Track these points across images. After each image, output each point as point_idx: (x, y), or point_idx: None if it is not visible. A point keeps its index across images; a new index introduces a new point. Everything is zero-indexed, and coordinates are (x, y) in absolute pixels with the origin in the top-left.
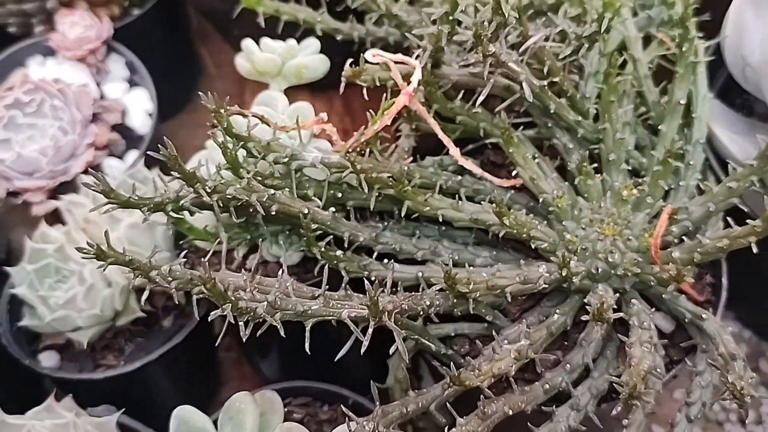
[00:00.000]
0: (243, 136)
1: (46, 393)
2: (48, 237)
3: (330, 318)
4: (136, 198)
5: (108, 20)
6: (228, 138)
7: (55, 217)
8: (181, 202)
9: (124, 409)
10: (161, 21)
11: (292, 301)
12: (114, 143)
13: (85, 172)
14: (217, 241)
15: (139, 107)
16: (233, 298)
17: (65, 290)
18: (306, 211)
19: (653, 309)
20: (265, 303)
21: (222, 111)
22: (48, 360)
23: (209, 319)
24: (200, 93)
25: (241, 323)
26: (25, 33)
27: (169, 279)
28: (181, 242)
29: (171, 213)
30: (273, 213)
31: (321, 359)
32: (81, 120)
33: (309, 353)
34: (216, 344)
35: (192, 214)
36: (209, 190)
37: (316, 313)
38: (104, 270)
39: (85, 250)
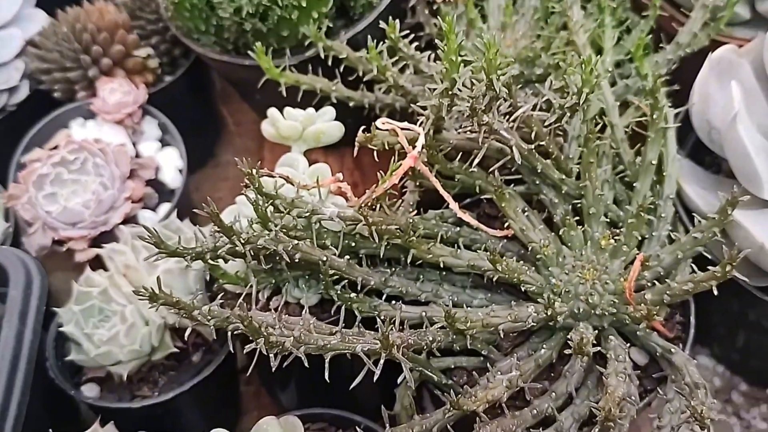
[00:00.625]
0: (271, 195)
1: (87, 421)
2: (93, 281)
3: (345, 351)
4: (182, 248)
5: (143, 86)
6: (259, 196)
7: (96, 263)
8: (219, 251)
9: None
10: (189, 86)
11: (314, 336)
12: (148, 197)
13: (123, 223)
14: (249, 285)
15: (170, 164)
16: (265, 334)
17: (108, 328)
18: (324, 258)
19: (629, 344)
20: (292, 338)
21: (254, 173)
22: (89, 391)
23: (244, 351)
24: (236, 159)
25: (271, 355)
26: (68, 98)
27: (209, 317)
28: (213, 286)
29: (209, 261)
30: (296, 260)
31: (335, 388)
32: (119, 176)
33: (326, 382)
34: (239, 376)
35: (226, 261)
36: (243, 241)
37: (335, 347)
38: (156, 309)
39: (140, 293)
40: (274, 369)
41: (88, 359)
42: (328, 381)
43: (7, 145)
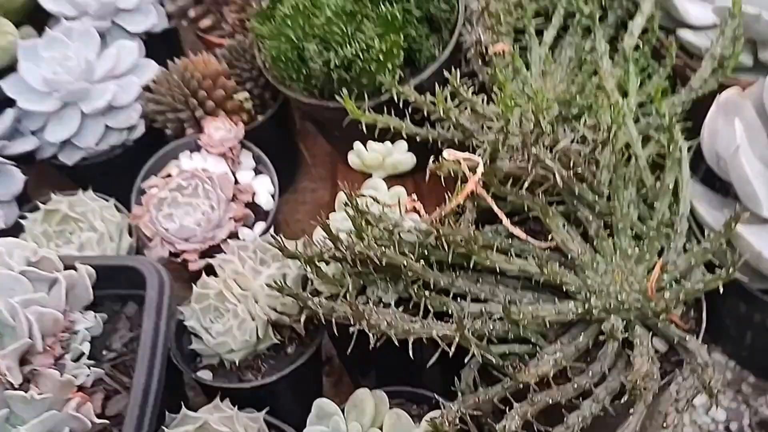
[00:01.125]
0: (364, 211)
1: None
2: (208, 285)
3: (425, 335)
4: (299, 252)
5: (241, 124)
6: (356, 213)
7: (207, 272)
8: (324, 255)
9: (268, 408)
10: (276, 124)
11: (401, 322)
12: (247, 217)
13: (228, 238)
14: (343, 285)
15: (264, 189)
16: (367, 317)
17: (223, 323)
18: (405, 263)
19: (651, 333)
20: (385, 322)
21: (354, 195)
22: (205, 375)
23: (350, 330)
24: (339, 182)
25: (371, 334)
26: (178, 134)
27: (319, 306)
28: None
29: (315, 263)
30: (382, 264)
31: (407, 372)
32: (224, 199)
33: (400, 367)
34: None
35: (327, 264)
36: (345, 247)
37: (417, 331)
38: (283, 298)
39: (273, 287)
40: (371, 347)
41: (206, 348)
42: (411, 359)
43: (127, 174)
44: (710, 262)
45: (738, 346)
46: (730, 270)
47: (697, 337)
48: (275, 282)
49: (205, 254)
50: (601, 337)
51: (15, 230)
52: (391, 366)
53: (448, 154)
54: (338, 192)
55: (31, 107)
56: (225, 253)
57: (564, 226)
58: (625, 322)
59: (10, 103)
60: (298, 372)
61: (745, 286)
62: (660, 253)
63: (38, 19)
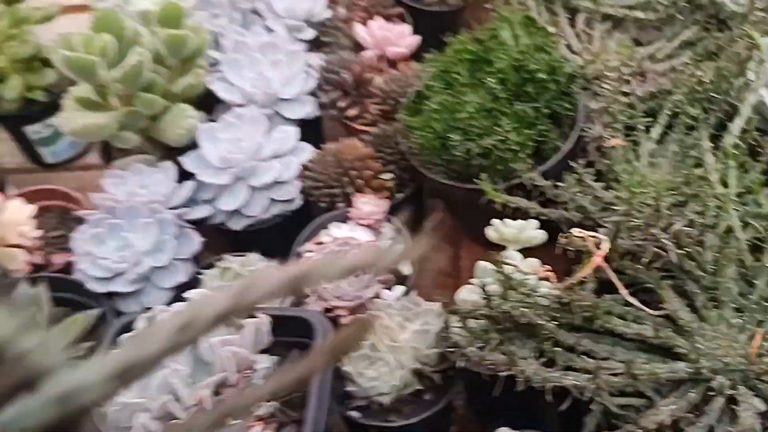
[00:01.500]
0: (509, 275)
1: None
2: None
3: (560, 383)
4: (461, 309)
5: (385, 200)
6: (504, 277)
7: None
8: (476, 312)
9: None
10: (411, 201)
11: (542, 371)
12: (389, 280)
13: (373, 298)
14: (488, 340)
15: None
16: (518, 366)
17: (375, 369)
18: (541, 322)
19: (753, 393)
20: (530, 370)
21: (500, 262)
22: (354, 414)
23: (501, 374)
24: (493, 252)
25: (518, 379)
26: (330, 208)
27: (478, 358)
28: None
29: (467, 317)
30: (521, 322)
31: (533, 421)
32: None
33: (526, 416)
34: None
35: (476, 319)
36: (494, 306)
37: (554, 379)
38: (416, 345)
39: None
40: (520, 388)
41: (360, 390)
42: (550, 401)
43: (283, 240)
44: None
45: None
46: None
47: None
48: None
49: (354, 311)
50: (710, 393)
51: (193, 284)
52: (515, 415)
53: (578, 232)
54: (460, 262)
55: (208, 180)
56: (371, 310)
57: (674, 297)
58: (730, 382)
59: (188, 176)
60: (435, 416)
61: None
62: (760, 324)
63: (207, 105)
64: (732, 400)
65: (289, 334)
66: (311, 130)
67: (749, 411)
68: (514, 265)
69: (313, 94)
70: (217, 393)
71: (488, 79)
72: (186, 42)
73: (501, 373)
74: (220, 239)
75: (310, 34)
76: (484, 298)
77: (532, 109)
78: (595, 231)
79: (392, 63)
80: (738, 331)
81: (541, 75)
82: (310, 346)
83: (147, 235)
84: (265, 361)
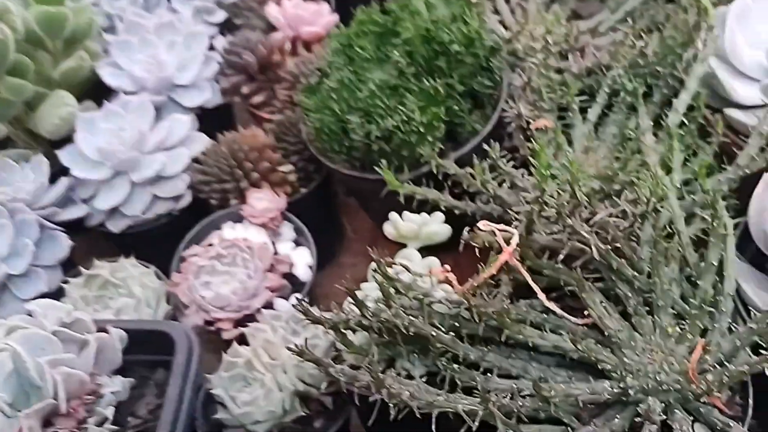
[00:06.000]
0: (394, 278)
1: None
2: (238, 353)
3: (449, 409)
4: (324, 317)
5: (284, 196)
6: (384, 279)
7: (239, 340)
8: (350, 322)
9: None
10: (319, 197)
11: (424, 394)
12: (283, 287)
13: (264, 308)
14: (369, 354)
15: (302, 261)
16: (387, 386)
17: (250, 392)
18: (434, 334)
19: (692, 418)
20: (407, 392)
21: (382, 261)
22: None
23: (370, 399)
24: (369, 247)
25: (391, 405)
26: (222, 205)
27: (341, 375)
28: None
29: (341, 330)
30: (410, 334)
31: None
32: (261, 269)
33: None
34: None
35: (354, 332)
36: (371, 315)
37: (441, 404)
38: (299, 365)
39: (293, 350)
40: (391, 419)
41: (232, 418)
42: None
43: (169, 242)
44: (757, 345)
45: None
46: None
47: (743, 425)
48: (296, 346)
49: (240, 323)
50: (638, 420)
51: (58, 295)
52: None
53: (483, 225)
54: None
55: (84, 176)
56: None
57: (601, 302)
58: (664, 404)
59: (66, 172)
60: None
61: None
62: (703, 334)
63: (100, 95)
64: (666, 427)
65: (151, 352)
66: (217, 120)
67: None
68: (403, 266)
69: (216, 80)
70: (48, 423)
71: (395, 52)
72: (64, 21)
73: (373, 396)
74: (102, 244)
75: (220, 16)
76: (358, 307)
77: (444, 86)
78: (508, 224)
79: (308, 45)
80: (676, 342)
81: (455, 47)
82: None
83: (1, 239)
84: (115, 384)
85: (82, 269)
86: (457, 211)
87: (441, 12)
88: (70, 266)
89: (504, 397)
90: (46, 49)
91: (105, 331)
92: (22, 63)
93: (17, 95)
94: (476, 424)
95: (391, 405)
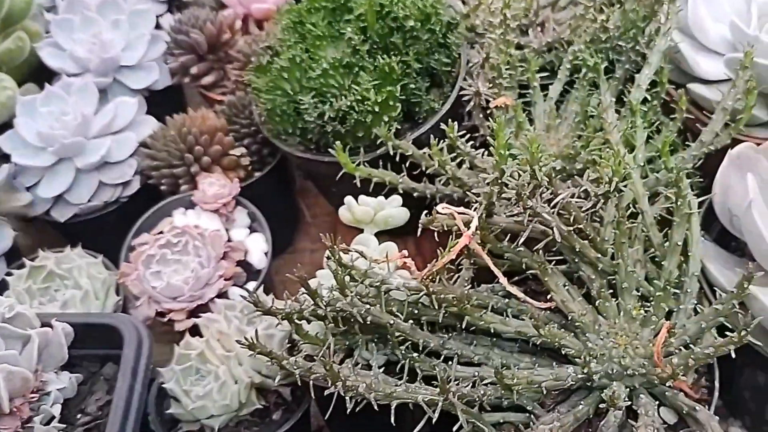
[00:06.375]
0: (348, 266)
1: None
2: (191, 345)
3: (408, 400)
4: (276, 308)
5: (237, 181)
6: (338, 267)
7: (193, 331)
8: (304, 312)
9: None
10: (274, 181)
11: (382, 385)
12: (238, 275)
13: (216, 297)
14: (325, 345)
15: (257, 248)
16: (343, 378)
17: (203, 386)
18: (392, 322)
19: (658, 403)
20: (364, 384)
21: (335, 247)
22: None
23: (325, 393)
24: (322, 235)
25: (347, 398)
26: (172, 191)
27: (296, 367)
28: (293, 351)
29: (295, 320)
30: (368, 323)
31: None
32: (214, 257)
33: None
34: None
35: (309, 322)
36: (325, 304)
37: (399, 395)
38: (254, 356)
39: (243, 343)
40: (348, 412)
41: (186, 413)
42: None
43: (119, 231)
44: (723, 326)
45: (758, 420)
46: (743, 333)
47: (709, 408)
48: (245, 339)
49: (193, 314)
50: (603, 406)
51: (0, 288)
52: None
53: (442, 207)
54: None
55: (26, 162)
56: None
57: (564, 285)
58: (629, 389)
59: (8, 159)
60: None
61: (763, 354)
62: (668, 316)
63: (43, 77)
64: (632, 412)
65: (100, 346)
66: (166, 103)
67: (650, 427)
68: (359, 252)
69: (165, 61)
70: None
71: (348, 29)
72: None
73: (329, 389)
74: (47, 234)
75: None
76: (311, 296)
77: (399, 64)
78: (467, 207)
79: (259, 23)
80: (641, 324)
81: (410, 23)
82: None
83: None
84: (62, 381)
85: (26, 261)
86: (415, 194)
87: None
88: (14, 258)
89: (465, 386)
90: None
91: (49, 325)
92: None
93: None
94: (436, 414)
95: (347, 398)
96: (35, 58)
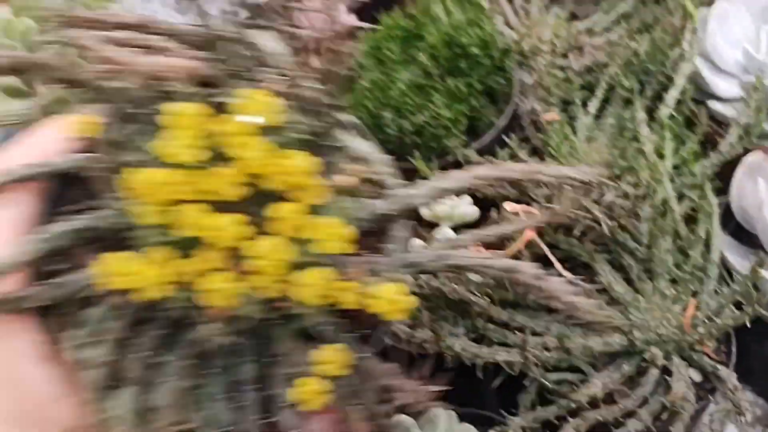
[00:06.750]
0: None
1: None
2: None
3: (490, 359)
4: None
5: None
6: None
7: None
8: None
9: None
10: None
11: (471, 347)
12: None
13: None
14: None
15: None
16: (445, 341)
17: None
18: (473, 299)
19: (687, 364)
20: (458, 346)
21: (430, 239)
22: None
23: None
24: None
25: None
26: None
27: (405, 336)
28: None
29: None
30: (453, 299)
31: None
32: None
33: (482, 384)
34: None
35: None
36: (423, 284)
37: (484, 355)
38: None
39: None
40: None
41: None
42: (481, 377)
43: None
44: (739, 303)
45: (766, 385)
46: (755, 306)
47: (728, 368)
48: None
49: None
50: (644, 364)
51: None
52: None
53: (509, 206)
54: None
55: None
56: None
57: (609, 270)
58: (664, 353)
59: None
60: None
61: None
62: (694, 295)
63: None
64: (666, 371)
65: None
66: None
67: (681, 381)
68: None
69: None
70: None
71: (420, 55)
72: None
73: (430, 351)
74: None
75: (245, 16)
76: (414, 276)
77: (464, 85)
78: (530, 206)
79: (331, 48)
80: (672, 302)
81: (473, 50)
82: None
83: None
84: None
85: None
86: (479, 195)
87: (459, 17)
88: None
89: (534, 349)
90: None
91: None
92: None
93: None
94: (516, 370)
95: (447, 356)
96: None
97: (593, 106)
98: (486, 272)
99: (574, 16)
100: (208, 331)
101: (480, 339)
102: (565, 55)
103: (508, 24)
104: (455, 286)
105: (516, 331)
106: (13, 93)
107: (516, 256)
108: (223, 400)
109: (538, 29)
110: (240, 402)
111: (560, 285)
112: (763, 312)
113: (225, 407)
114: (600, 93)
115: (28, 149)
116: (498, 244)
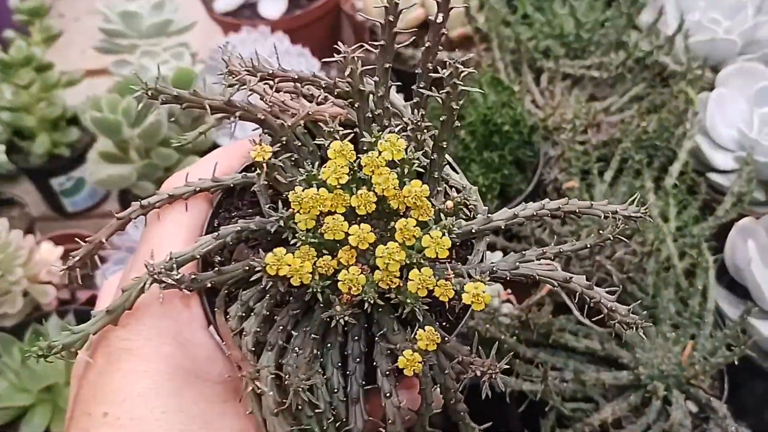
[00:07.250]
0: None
1: None
2: None
3: (517, 388)
4: None
5: None
6: None
7: None
8: None
9: None
10: None
11: (502, 377)
12: None
13: None
14: None
15: None
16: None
17: None
18: (502, 338)
19: (685, 396)
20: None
21: None
22: None
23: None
24: None
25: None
26: None
27: None
28: None
29: None
30: (486, 337)
31: (501, 417)
32: None
33: (506, 405)
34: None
35: None
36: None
37: (511, 384)
38: None
39: None
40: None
41: None
42: (507, 402)
43: None
44: (730, 345)
45: (758, 421)
46: (743, 347)
47: (720, 400)
48: None
49: None
50: (647, 396)
51: None
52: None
53: None
54: None
55: None
56: None
57: None
58: (665, 386)
59: None
60: None
61: (761, 366)
62: (692, 337)
63: None
64: (667, 402)
65: None
66: None
67: (680, 411)
68: None
69: None
70: None
71: (461, 132)
72: None
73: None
74: None
75: None
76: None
77: (498, 157)
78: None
79: None
80: (673, 343)
81: (506, 127)
82: None
83: None
84: None
85: None
86: (508, 250)
87: (493, 99)
88: None
89: (554, 380)
90: (179, 124)
91: None
92: (169, 136)
93: (165, 161)
94: (538, 397)
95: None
96: (213, 142)
97: (608, 175)
98: (548, 281)
99: (593, 98)
100: (335, 311)
101: (509, 372)
102: (584, 131)
103: (535, 104)
104: (488, 326)
105: (539, 366)
106: (110, 159)
107: (540, 302)
108: (338, 368)
109: (561, 109)
110: (349, 371)
111: (604, 294)
112: (750, 353)
113: (338, 374)
114: (614, 164)
115: (204, 169)
116: (526, 292)
